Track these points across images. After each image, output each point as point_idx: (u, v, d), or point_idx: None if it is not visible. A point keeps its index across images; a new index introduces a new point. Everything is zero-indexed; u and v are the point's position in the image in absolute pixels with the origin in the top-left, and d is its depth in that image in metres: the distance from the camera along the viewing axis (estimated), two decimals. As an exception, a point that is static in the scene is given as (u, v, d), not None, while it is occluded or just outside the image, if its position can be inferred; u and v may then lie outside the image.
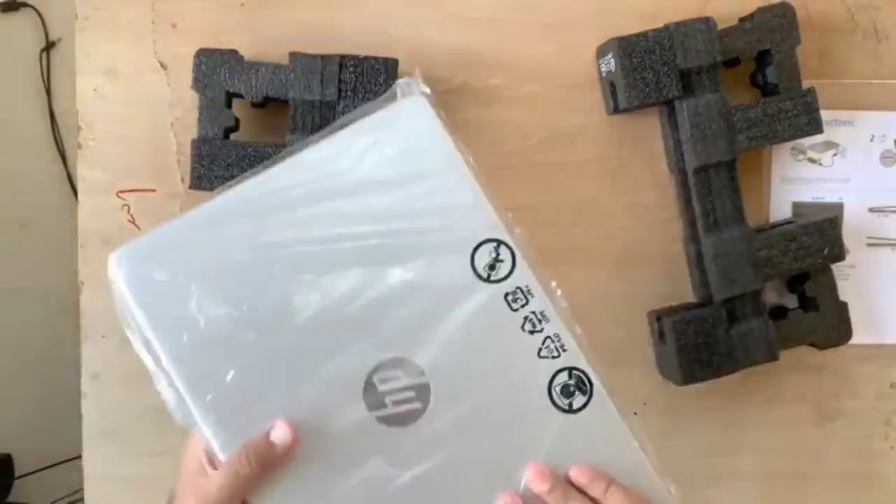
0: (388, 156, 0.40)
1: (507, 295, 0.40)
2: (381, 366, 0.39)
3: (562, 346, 0.40)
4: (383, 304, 0.39)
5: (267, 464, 0.38)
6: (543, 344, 0.40)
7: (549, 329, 0.40)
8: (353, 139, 0.40)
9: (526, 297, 0.40)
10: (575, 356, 0.41)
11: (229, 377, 0.39)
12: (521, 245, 0.41)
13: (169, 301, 0.39)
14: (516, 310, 0.40)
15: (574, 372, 0.41)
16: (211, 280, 0.39)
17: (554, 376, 0.41)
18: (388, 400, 0.39)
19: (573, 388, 0.41)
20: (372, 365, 0.39)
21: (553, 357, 0.40)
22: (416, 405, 0.40)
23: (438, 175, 0.40)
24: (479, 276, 0.40)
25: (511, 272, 0.40)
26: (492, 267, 0.40)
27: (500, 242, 0.40)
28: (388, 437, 0.39)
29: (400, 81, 0.43)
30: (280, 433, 0.38)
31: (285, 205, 0.39)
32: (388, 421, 0.39)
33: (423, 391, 0.40)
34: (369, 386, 0.39)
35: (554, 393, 0.41)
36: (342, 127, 0.41)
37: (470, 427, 0.40)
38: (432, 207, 0.40)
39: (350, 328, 0.39)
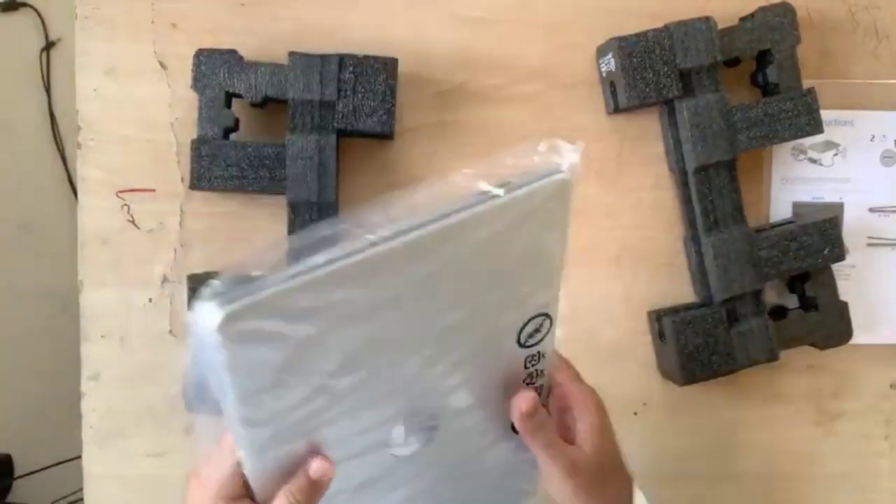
0: (511, 240, 0.37)
1: (528, 357, 0.41)
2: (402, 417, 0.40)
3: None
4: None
5: (313, 498, 0.38)
6: (532, 376, 0.42)
7: (541, 374, 0.42)
8: (486, 220, 0.35)
9: (539, 359, 0.41)
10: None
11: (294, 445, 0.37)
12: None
13: (258, 374, 0.34)
14: (528, 368, 0.41)
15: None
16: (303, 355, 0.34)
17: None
18: (399, 439, 0.40)
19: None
20: (394, 416, 0.39)
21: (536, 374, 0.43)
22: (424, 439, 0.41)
23: (540, 254, 0.38)
24: (518, 342, 0.40)
25: (542, 340, 0.40)
26: (531, 335, 0.40)
27: (549, 318, 0.40)
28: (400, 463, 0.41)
29: (541, 147, 0.36)
30: (319, 468, 0.37)
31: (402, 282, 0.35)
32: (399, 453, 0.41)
33: (431, 430, 0.41)
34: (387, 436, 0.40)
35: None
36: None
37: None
38: (518, 272, 0.38)
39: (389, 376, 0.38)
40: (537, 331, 0.40)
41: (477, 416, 0.42)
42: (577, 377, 0.45)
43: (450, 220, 0.34)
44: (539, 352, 0.41)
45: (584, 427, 0.43)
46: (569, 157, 0.36)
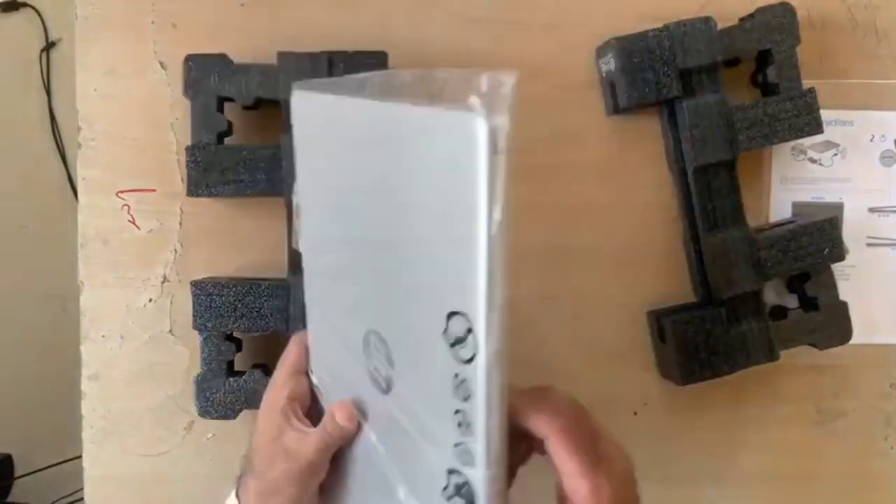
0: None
1: (456, 376, 0.32)
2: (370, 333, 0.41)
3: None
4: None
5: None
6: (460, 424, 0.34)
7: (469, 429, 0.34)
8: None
9: (469, 391, 0.32)
10: None
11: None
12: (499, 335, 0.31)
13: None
14: (455, 397, 0.33)
15: None
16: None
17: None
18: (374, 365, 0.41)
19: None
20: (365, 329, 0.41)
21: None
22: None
23: (455, 213, 0.32)
24: (447, 341, 0.32)
25: (469, 360, 0.31)
26: (456, 342, 0.32)
27: (472, 331, 0.31)
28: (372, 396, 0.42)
29: (485, 79, 0.32)
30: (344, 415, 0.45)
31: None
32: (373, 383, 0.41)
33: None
34: (365, 346, 0.41)
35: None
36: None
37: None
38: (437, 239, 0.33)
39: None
40: (461, 341, 0.31)
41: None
42: (585, 468, 0.36)
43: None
44: (465, 380, 0.31)
45: None
46: (493, 97, 0.30)
